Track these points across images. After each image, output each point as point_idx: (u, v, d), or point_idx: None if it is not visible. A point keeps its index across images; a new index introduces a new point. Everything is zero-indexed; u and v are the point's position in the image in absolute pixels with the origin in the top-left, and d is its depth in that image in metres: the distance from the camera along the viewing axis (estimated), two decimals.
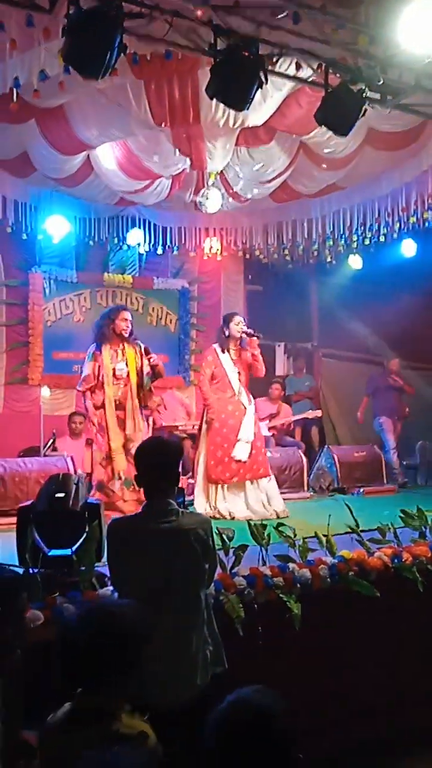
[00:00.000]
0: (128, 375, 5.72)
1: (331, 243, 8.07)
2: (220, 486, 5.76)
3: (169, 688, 2.53)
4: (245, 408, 5.90)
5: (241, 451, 5.76)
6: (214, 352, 5.98)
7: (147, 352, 5.80)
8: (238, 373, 5.94)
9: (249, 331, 6.01)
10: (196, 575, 2.70)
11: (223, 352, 5.94)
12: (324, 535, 4.03)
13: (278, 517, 5.51)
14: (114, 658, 1.91)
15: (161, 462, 2.75)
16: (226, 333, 5.95)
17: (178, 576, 2.62)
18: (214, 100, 4.32)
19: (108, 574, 3.49)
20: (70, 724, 1.88)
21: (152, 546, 2.63)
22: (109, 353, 5.73)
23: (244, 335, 5.96)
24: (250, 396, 6.06)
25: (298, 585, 3.70)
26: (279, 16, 4.11)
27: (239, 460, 5.75)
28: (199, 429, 6.06)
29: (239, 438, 5.78)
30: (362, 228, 7.65)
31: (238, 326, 5.93)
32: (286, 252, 8.51)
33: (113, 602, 1.98)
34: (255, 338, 6.00)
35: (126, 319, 5.77)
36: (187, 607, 2.64)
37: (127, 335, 5.76)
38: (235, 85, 4.01)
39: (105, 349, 5.74)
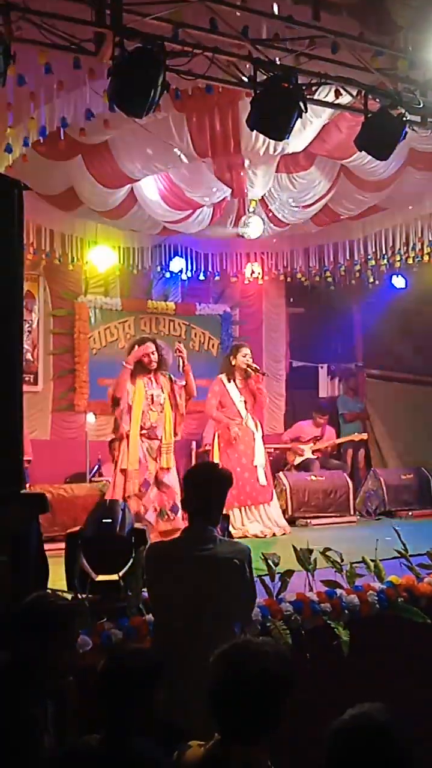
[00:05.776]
0: (164, 403, 5.41)
1: (374, 263, 8.04)
2: (237, 509, 6.02)
3: (195, 715, 2.50)
4: (253, 433, 6.16)
5: (261, 476, 6.11)
6: (221, 382, 6.20)
7: (171, 380, 5.50)
8: (244, 401, 6.20)
9: (255, 366, 6.32)
10: (228, 606, 2.63)
11: (229, 381, 6.17)
12: (372, 560, 3.99)
13: (284, 534, 5.97)
14: (257, 703, 1.71)
15: (207, 488, 2.75)
16: (233, 363, 6.17)
17: (210, 605, 2.56)
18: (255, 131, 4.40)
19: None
20: None
21: (186, 572, 2.60)
22: (143, 380, 5.39)
23: (249, 368, 6.20)
24: (257, 421, 6.34)
25: (346, 611, 3.66)
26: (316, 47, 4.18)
27: (263, 485, 6.10)
28: (210, 454, 6.30)
29: (255, 464, 6.08)
30: (405, 248, 7.61)
31: (245, 358, 6.19)
32: (328, 274, 8.49)
33: (260, 642, 1.83)
34: (261, 375, 6.30)
35: (150, 353, 5.37)
36: (217, 638, 2.59)
37: (154, 368, 5.39)
38: (275, 116, 4.06)
39: (139, 378, 5.38)
